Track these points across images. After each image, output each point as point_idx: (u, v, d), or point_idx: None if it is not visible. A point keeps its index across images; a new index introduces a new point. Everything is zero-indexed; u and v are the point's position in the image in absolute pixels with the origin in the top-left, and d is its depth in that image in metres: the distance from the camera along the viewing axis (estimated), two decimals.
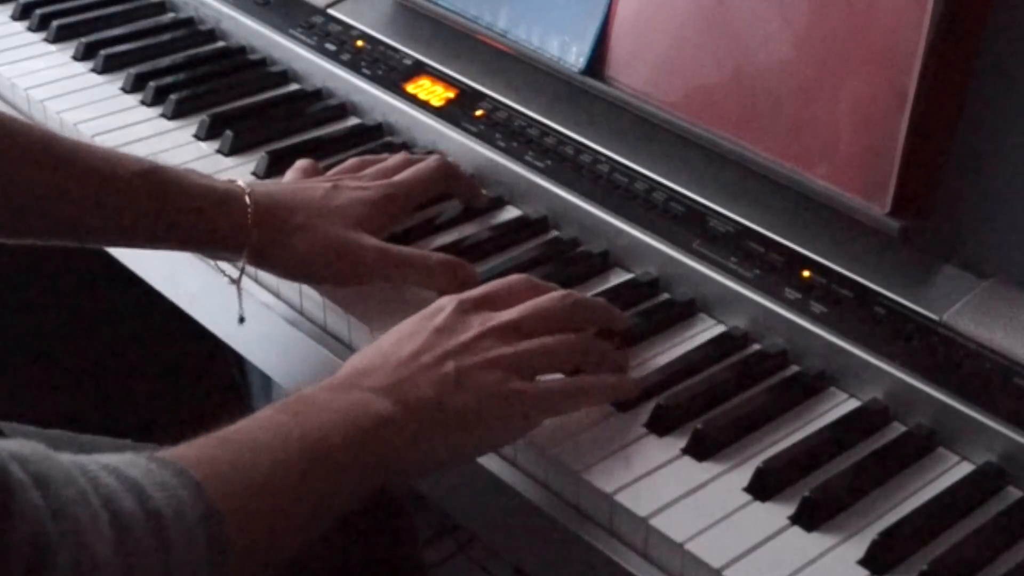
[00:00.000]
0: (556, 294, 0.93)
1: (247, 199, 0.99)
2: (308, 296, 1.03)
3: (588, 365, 0.91)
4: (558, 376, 0.90)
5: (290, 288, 1.04)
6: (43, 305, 1.30)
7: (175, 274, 1.14)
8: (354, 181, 1.06)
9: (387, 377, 0.84)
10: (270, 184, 1.05)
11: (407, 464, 0.83)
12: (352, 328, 1.00)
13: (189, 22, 1.42)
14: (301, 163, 1.11)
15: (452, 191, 1.11)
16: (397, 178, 1.07)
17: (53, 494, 0.65)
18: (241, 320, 1.04)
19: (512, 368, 0.86)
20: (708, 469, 0.86)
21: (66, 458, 0.68)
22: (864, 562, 0.80)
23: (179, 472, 0.72)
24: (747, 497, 0.84)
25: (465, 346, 0.86)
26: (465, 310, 0.89)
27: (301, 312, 1.05)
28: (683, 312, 1.01)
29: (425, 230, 1.09)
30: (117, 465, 0.71)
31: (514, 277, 0.95)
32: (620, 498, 0.83)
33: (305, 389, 0.84)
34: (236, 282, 1.03)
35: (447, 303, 0.90)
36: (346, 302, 1.01)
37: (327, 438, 0.79)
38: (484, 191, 1.14)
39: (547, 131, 1.15)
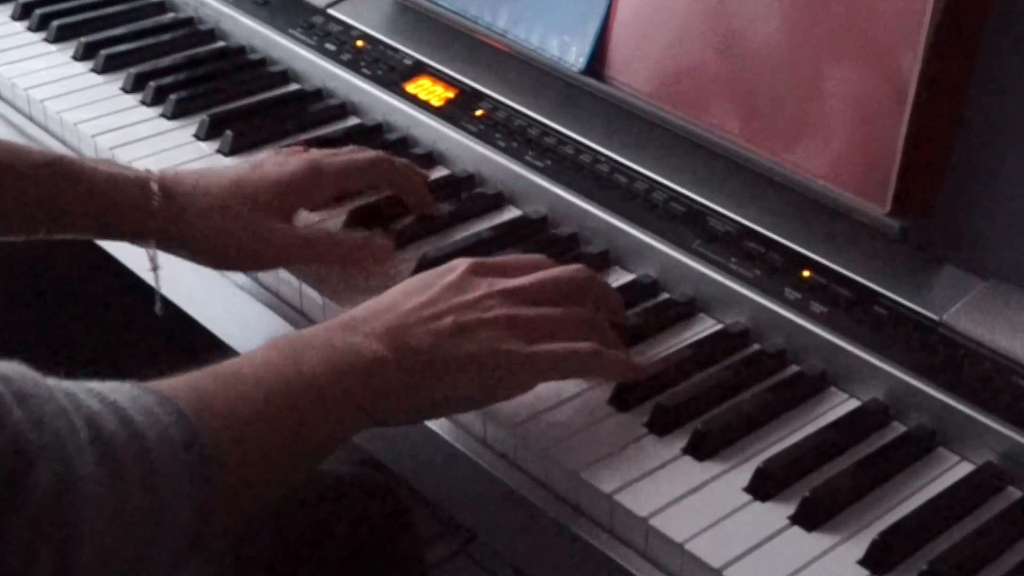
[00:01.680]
0: (570, 267, 0.95)
1: (153, 185, 0.99)
2: (307, 296, 1.03)
3: (595, 338, 0.91)
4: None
5: (290, 288, 1.04)
6: (40, 304, 1.30)
7: (175, 274, 1.14)
8: (276, 157, 1.06)
9: (386, 323, 0.85)
10: (182, 170, 1.05)
11: (397, 408, 0.84)
12: None
13: (189, 22, 1.42)
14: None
15: (396, 191, 1.10)
16: (328, 159, 1.06)
17: (34, 409, 0.65)
18: (159, 310, 1.04)
19: (512, 329, 0.87)
20: (708, 469, 0.86)
21: (50, 380, 0.69)
22: (864, 562, 0.80)
23: (163, 400, 0.73)
24: (747, 497, 0.84)
25: (469, 304, 0.88)
26: (476, 272, 0.91)
27: (301, 312, 1.04)
28: (683, 312, 1.00)
29: (424, 230, 1.09)
30: (101, 390, 0.71)
31: (532, 255, 0.97)
32: (620, 498, 0.83)
33: (302, 331, 0.85)
34: (153, 269, 1.03)
35: (459, 264, 0.91)
36: (346, 302, 1.01)
37: (318, 376, 0.80)
38: (483, 190, 1.14)
39: (547, 131, 1.15)
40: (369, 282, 1.02)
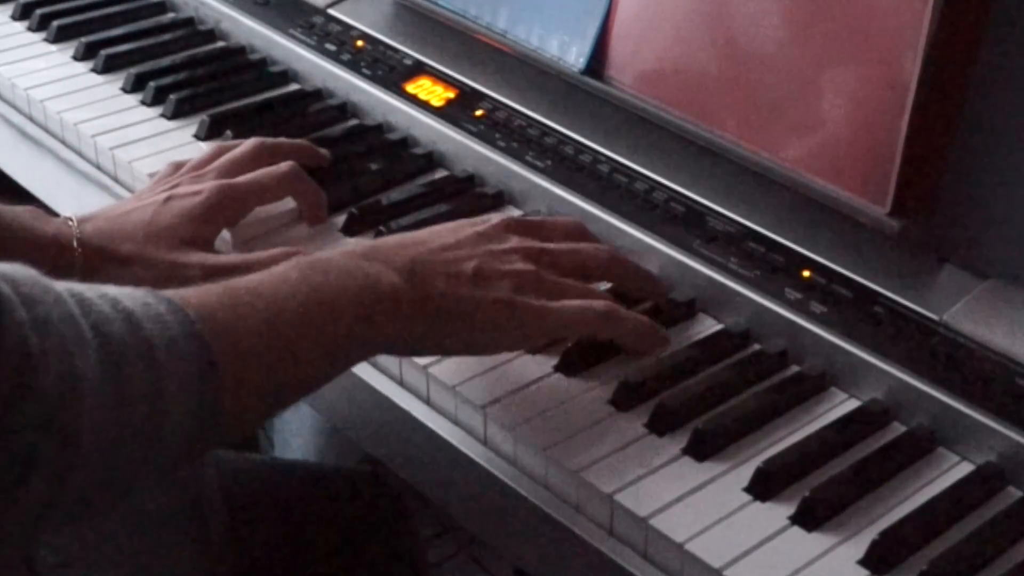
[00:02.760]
0: (602, 247, 0.96)
1: (74, 242, 0.99)
2: None
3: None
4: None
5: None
6: None
7: None
8: (190, 185, 1.05)
9: (406, 258, 0.86)
10: (101, 216, 1.04)
11: (407, 339, 0.86)
12: None
13: (189, 22, 1.42)
14: (168, 164, 1.11)
15: (297, 200, 1.10)
16: (241, 179, 1.06)
17: (40, 313, 0.66)
18: None
19: (529, 285, 0.88)
20: (708, 469, 0.86)
21: (60, 284, 0.70)
22: (864, 562, 0.80)
23: (175, 308, 0.74)
24: (747, 497, 0.84)
25: (493, 254, 0.89)
26: (509, 227, 0.92)
27: None
28: (683, 312, 1.00)
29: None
30: (115, 295, 0.72)
31: (572, 220, 0.98)
32: (620, 498, 0.83)
33: (322, 253, 0.86)
34: None
35: (496, 217, 0.93)
36: None
37: (331, 298, 0.81)
38: (483, 190, 1.14)
39: (547, 131, 1.15)
40: None
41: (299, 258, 0.84)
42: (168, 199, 1.04)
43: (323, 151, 1.16)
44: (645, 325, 0.92)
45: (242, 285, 0.80)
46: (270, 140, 1.12)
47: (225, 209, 1.04)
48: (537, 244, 0.92)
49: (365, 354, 0.87)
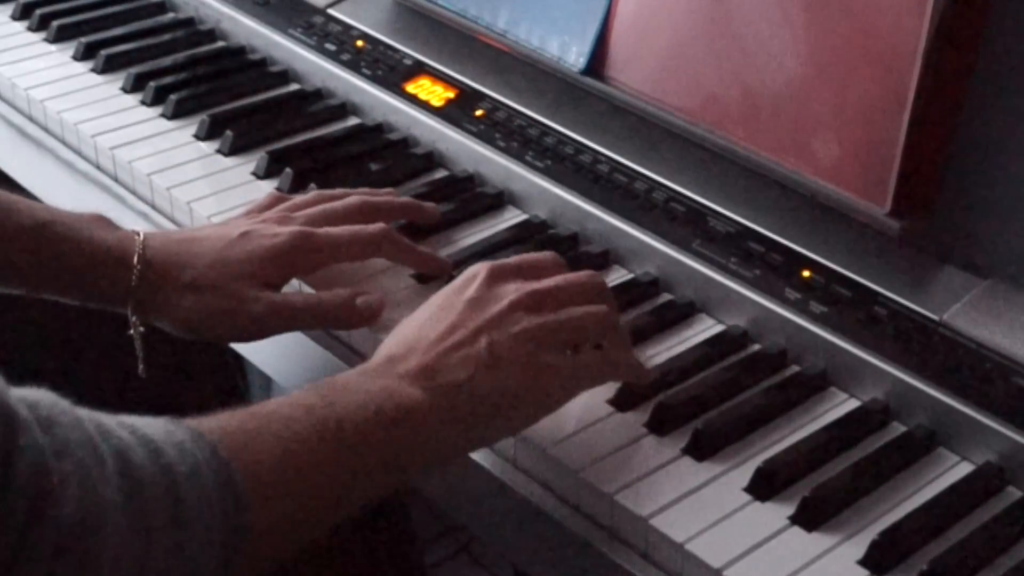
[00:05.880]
0: (586, 272, 0.94)
1: (135, 259, 0.97)
2: None
3: (614, 340, 0.91)
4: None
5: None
6: (40, 304, 1.30)
7: None
8: (273, 226, 1.00)
9: (419, 360, 0.84)
10: (172, 235, 1.02)
11: (437, 450, 0.84)
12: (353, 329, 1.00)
13: (189, 22, 1.42)
14: (266, 195, 1.07)
15: (395, 262, 1.05)
16: (321, 231, 1.00)
17: (59, 436, 0.65)
18: (142, 372, 1.02)
19: (543, 339, 0.86)
20: (708, 469, 0.86)
21: (81, 411, 0.69)
22: (864, 562, 0.80)
23: (197, 436, 0.72)
24: (747, 497, 0.84)
25: (497, 319, 0.86)
26: (496, 278, 0.90)
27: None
28: (683, 312, 1.01)
29: (424, 231, 1.09)
30: (134, 423, 0.71)
31: (545, 253, 0.96)
32: (620, 498, 0.83)
33: (337, 375, 0.84)
34: (134, 333, 1.00)
35: (479, 271, 0.90)
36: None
37: (354, 421, 0.79)
38: (483, 190, 1.14)
39: (547, 131, 1.15)
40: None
41: (319, 382, 0.82)
42: (244, 234, 0.99)
43: (431, 206, 1.10)
44: (639, 364, 0.92)
45: (265, 412, 0.78)
46: (374, 199, 1.07)
47: (298, 258, 0.99)
48: (528, 287, 0.89)
49: (399, 472, 0.83)
